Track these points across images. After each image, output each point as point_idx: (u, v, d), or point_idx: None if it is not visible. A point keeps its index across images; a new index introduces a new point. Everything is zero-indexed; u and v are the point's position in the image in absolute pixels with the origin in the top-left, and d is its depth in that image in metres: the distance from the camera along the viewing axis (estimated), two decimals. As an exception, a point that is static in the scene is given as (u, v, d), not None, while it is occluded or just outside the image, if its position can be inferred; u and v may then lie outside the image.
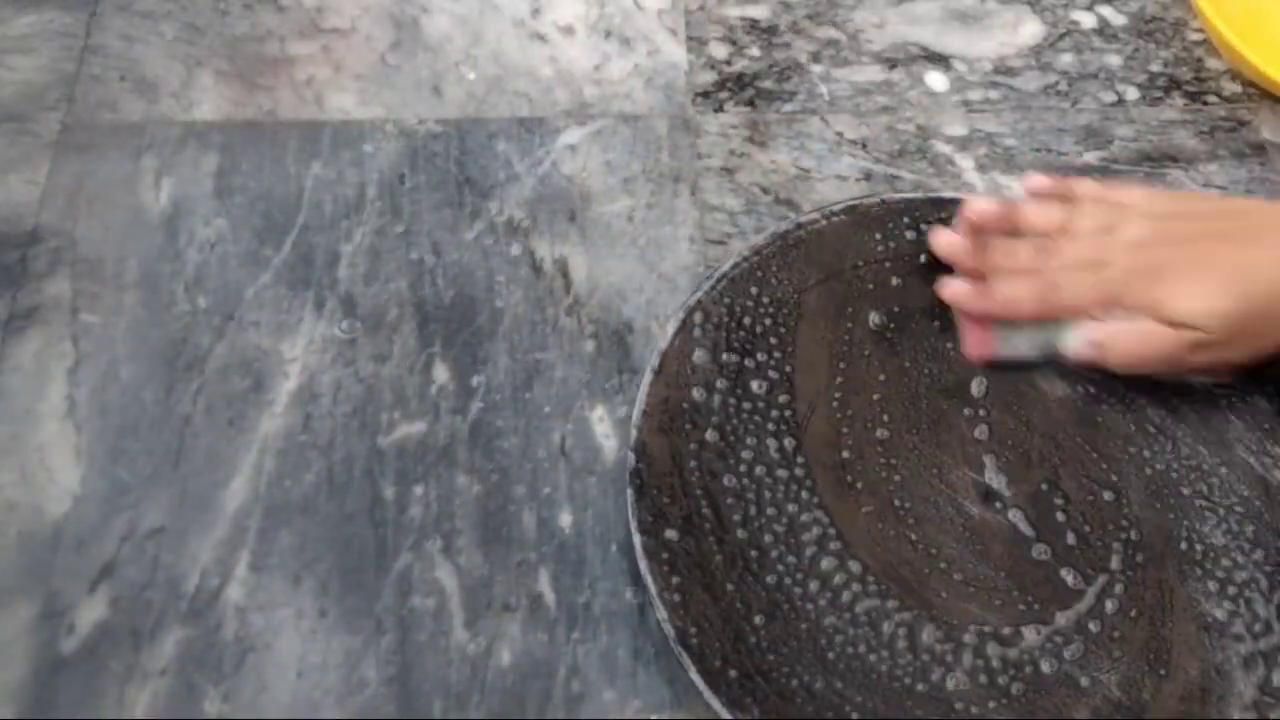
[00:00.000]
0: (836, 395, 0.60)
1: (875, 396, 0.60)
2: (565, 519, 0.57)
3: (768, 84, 0.72)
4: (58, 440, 0.58)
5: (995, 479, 0.58)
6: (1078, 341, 0.59)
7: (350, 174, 0.67)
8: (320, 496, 0.57)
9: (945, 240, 0.61)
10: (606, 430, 0.60)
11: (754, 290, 0.62)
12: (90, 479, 0.57)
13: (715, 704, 0.51)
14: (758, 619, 0.54)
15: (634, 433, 0.57)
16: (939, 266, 0.63)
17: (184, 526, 0.56)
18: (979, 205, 0.60)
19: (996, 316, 0.60)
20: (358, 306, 0.63)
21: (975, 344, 0.61)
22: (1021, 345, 0.60)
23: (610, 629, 0.55)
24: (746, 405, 0.59)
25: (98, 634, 0.54)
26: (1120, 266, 0.57)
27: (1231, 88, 0.73)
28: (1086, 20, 0.76)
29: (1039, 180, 0.61)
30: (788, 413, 0.59)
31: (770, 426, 0.59)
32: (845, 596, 0.55)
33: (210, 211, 0.65)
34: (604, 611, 0.55)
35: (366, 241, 0.65)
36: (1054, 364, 0.61)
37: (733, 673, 0.52)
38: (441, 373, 0.61)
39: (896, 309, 0.63)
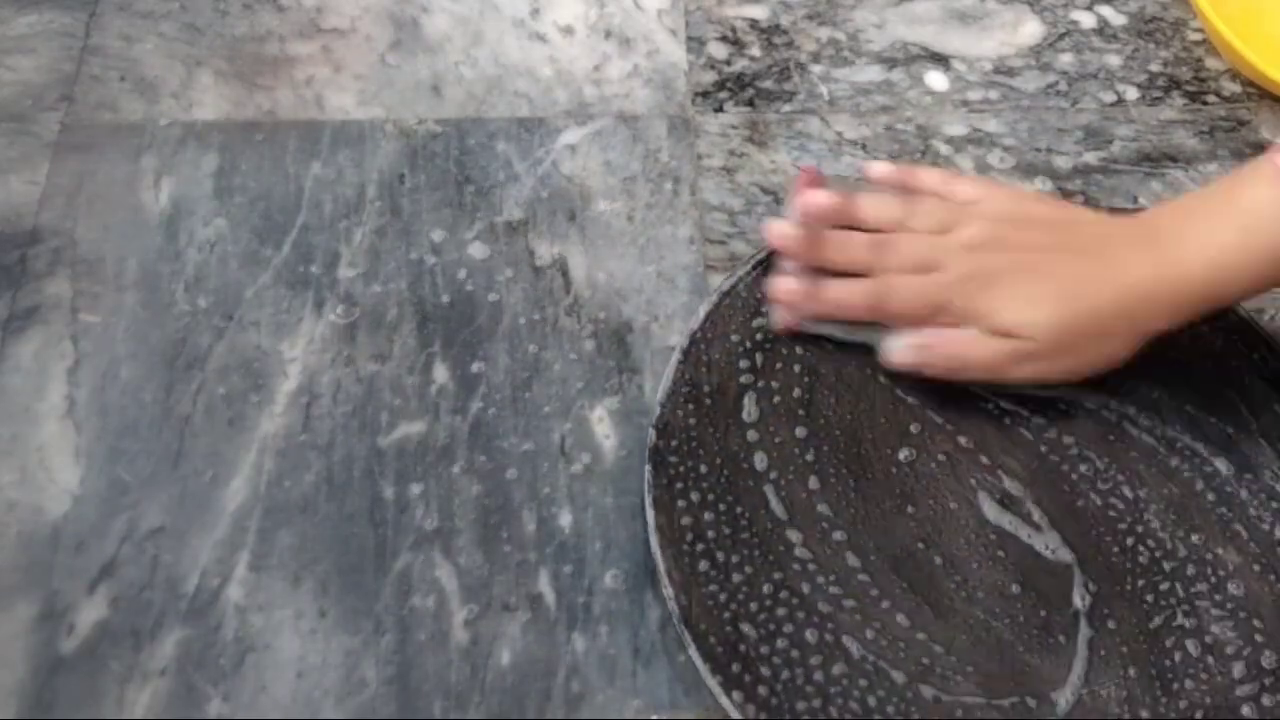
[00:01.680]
0: (863, 389, 0.59)
1: (898, 394, 0.60)
2: (565, 519, 0.57)
3: (768, 84, 0.72)
4: (58, 440, 0.58)
5: (1014, 485, 0.58)
6: (900, 347, 0.58)
7: (350, 174, 0.67)
8: (320, 496, 0.57)
9: (779, 231, 0.59)
10: (606, 430, 0.60)
11: None
12: (90, 479, 0.57)
13: (713, 685, 0.51)
14: (765, 609, 0.53)
15: (658, 409, 0.57)
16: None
17: (184, 526, 0.56)
18: (815, 196, 0.59)
19: (824, 318, 0.59)
20: (357, 306, 0.63)
21: (782, 322, 0.60)
22: (836, 331, 0.60)
23: (610, 629, 0.55)
24: (771, 394, 0.59)
25: (98, 634, 0.54)
26: (953, 272, 0.56)
27: (1231, 88, 0.73)
28: (1086, 20, 0.76)
29: (880, 168, 0.61)
30: (812, 404, 0.59)
31: (793, 416, 0.59)
32: (859, 593, 0.54)
33: (210, 211, 0.65)
34: (604, 611, 0.55)
35: (366, 241, 0.65)
36: (1080, 384, 0.60)
37: (734, 657, 0.52)
38: (441, 372, 0.61)
39: None
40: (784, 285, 0.59)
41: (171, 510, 0.57)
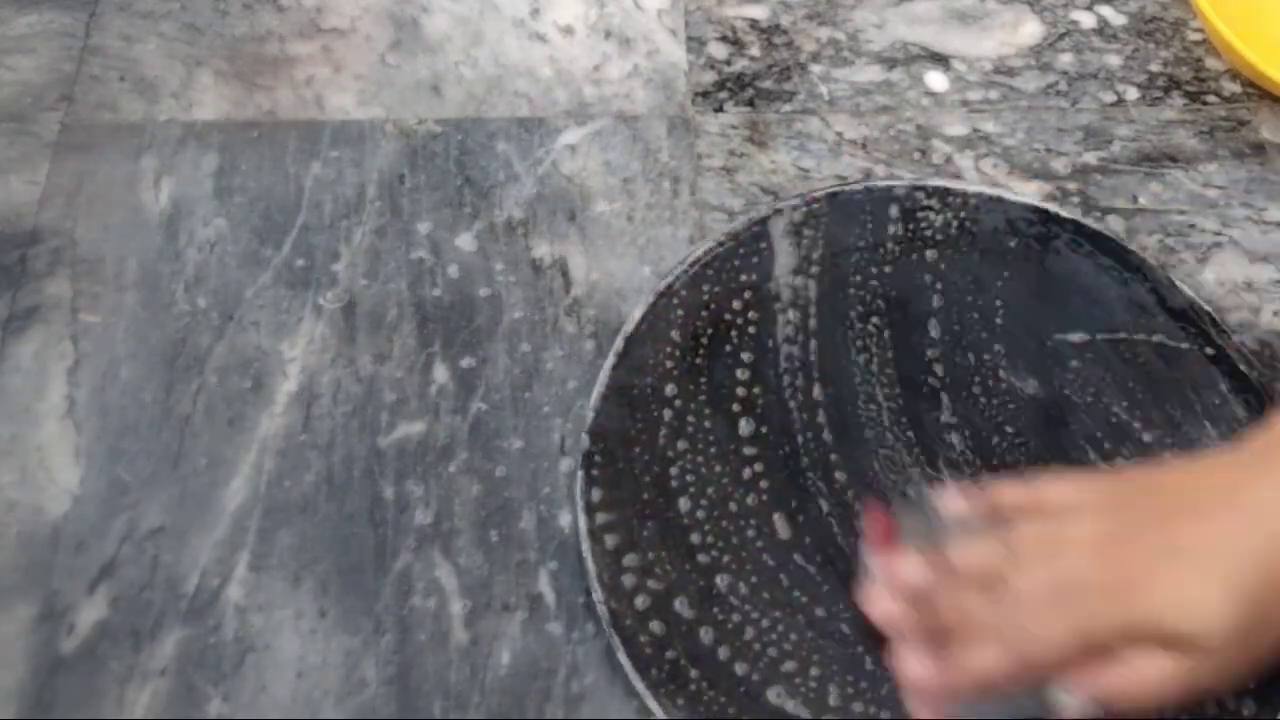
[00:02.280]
0: (808, 385, 0.60)
1: (846, 388, 0.60)
2: (565, 519, 0.57)
3: (768, 84, 0.72)
4: (58, 440, 0.58)
5: (957, 478, 0.57)
6: (1074, 706, 0.47)
7: (350, 174, 0.67)
8: (320, 496, 0.57)
9: (882, 611, 0.50)
10: (606, 430, 0.60)
11: (728, 277, 0.62)
12: (90, 479, 0.57)
13: (640, 687, 0.51)
14: (694, 610, 0.53)
15: (590, 415, 0.57)
16: (931, 262, 0.63)
17: (184, 526, 0.56)
18: (905, 569, 0.50)
19: (970, 691, 0.48)
20: (357, 306, 0.63)
21: (925, 714, 0.49)
22: (991, 713, 0.50)
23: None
24: (708, 395, 0.59)
25: (98, 634, 0.54)
26: (1087, 588, 0.47)
27: (1231, 88, 0.73)
28: (1086, 20, 0.76)
29: (953, 503, 0.51)
30: (754, 403, 0.59)
31: (733, 415, 0.58)
32: (792, 591, 0.54)
33: (210, 211, 0.65)
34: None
35: (366, 241, 0.65)
36: (1025, 369, 0.60)
37: (666, 659, 0.52)
38: (441, 372, 0.61)
39: (874, 299, 0.62)
40: (914, 670, 0.48)
41: (171, 510, 0.57)
